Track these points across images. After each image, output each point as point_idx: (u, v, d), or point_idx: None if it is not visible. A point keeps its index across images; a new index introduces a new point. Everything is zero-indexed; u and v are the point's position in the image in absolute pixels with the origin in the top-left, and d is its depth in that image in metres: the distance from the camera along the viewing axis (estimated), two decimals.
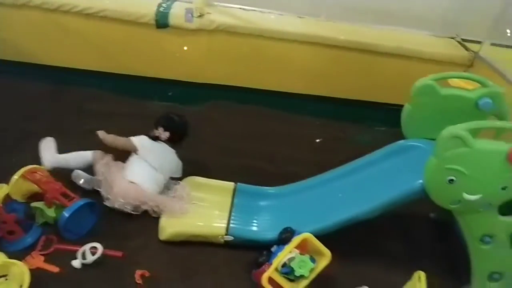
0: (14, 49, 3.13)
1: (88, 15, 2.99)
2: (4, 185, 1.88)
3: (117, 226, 1.94)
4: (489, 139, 1.58)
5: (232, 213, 2.01)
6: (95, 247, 1.77)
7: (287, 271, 1.68)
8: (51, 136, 2.23)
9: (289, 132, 2.93)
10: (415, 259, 1.98)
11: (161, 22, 3.04)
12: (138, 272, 1.72)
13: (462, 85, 2.09)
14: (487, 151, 1.45)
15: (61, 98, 2.90)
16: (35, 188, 1.95)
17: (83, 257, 1.74)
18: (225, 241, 1.90)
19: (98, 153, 2.11)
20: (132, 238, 1.89)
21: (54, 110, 2.75)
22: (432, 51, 3.22)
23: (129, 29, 3.07)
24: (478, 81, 1.99)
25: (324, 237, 1.77)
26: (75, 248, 1.78)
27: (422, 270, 1.62)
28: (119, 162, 2.10)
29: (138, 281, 1.70)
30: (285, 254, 1.68)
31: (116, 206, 1.95)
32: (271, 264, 1.67)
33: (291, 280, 1.70)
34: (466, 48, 3.31)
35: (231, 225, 1.94)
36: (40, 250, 1.78)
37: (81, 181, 2.10)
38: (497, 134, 1.77)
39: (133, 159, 2.08)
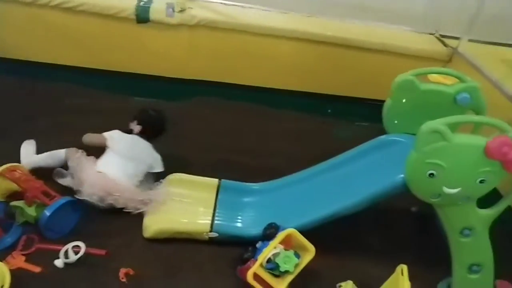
0: None
1: (67, 9, 2.93)
2: None
3: (100, 224, 1.92)
4: (467, 133, 1.63)
5: (217, 210, 2.01)
6: (78, 246, 1.74)
7: (272, 267, 1.69)
8: (27, 131, 2.21)
9: (273, 128, 2.94)
10: (398, 252, 2.01)
11: (142, 16, 3.00)
12: (123, 271, 1.71)
13: (441, 81, 2.12)
14: (466, 145, 1.47)
15: (37, 94, 2.84)
16: (14, 186, 1.91)
17: (66, 256, 1.72)
18: (209, 237, 1.90)
19: (72, 150, 2.09)
20: (116, 236, 1.87)
21: (30, 106, 2.69)
22: (413, 47, 3.28)
23: (108, 23, 3.02)
24: (456, 77, 2.03)
25: (308, 232, 1.79)
26: (57, 247, 1.75)
27: (405, 263, 1.64)
28: (92, 157, 2.08)
29: (122, 279, 1.69)
30: (270, 249, 1.70)
31: (86, 197, 1.92)
32: (256, 260, 1.68)
33: (276, 276, 1.71)
34: (445, 44, 3.38)
35: (215, 221, 1.94)
36: (21, 250, 1.75)
37: (62, 179, 2.07)
38: (475, 128, 1.82)
39: (105, 152, 2.08)
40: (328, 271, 1.88)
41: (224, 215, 1.99)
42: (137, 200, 1.94)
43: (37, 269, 1.69)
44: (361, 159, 2.10)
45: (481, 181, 1.51)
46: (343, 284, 1.81)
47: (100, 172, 1.97)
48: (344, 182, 2.03)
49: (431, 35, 3.56)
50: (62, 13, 2.95)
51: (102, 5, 2.94)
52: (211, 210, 2.00)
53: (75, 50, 3.14)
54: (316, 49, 3.22)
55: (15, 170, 1.92)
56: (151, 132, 2.17)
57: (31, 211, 1.83)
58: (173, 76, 3.27)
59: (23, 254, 1.73)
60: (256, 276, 1.66)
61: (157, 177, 2.14)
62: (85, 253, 1.73)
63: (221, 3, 3.37)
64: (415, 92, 1.98)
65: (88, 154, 2.08)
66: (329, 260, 1.89)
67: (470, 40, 3.23)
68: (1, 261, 1.61)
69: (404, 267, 1.64)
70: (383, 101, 2.10)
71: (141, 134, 2.15)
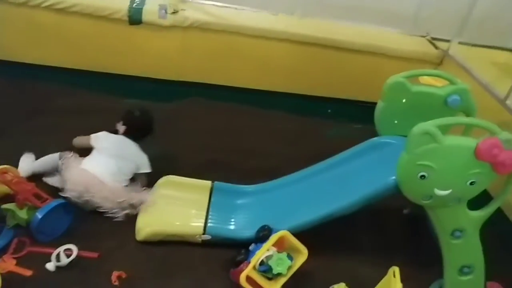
0: None
1: (60, 10, 2.92)
2: None
3: (93, 227, 1.91)
4: (458, 135, 1.64)
5: (210, 212, 2.00)
6: (69, 249, 1.73)
7: (265, 269, 1.69)
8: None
9: (265, 129, 2.94)
10: (390, 254, 2.02)
11: (134, 18, 3.00)
12: (115, 274, 1.70)
13: (432, 83, 2.15)
14: (456, 147, 1.48)
15: (29, 94, 2.82)
16: (5, 189, 1.89)
17: (58, 259, 1.70)
18: (202, 240, 1.90)
19: (65, 153, 2.08)
20: (108, 239, 1.86)
21: (23, 107, 2.67)
22: (404, 49, 3.31)
23: (101, 25, 3.01)
24: (446, 79, 2.05)
25: (301, 234, 1.80)
26: (49, 250, 1.74)
27: (397, 265, 1.65)
28: (81, 158, 2.08)
29: (114, 283, 1.68)
30: (263, 252, 1.70)
31: (67, 194, 1.92)
32: (249, 262, 1.68)
33: (269, 278, 1.71)
34: (436, 47, 3.41)
35: (208, 224, 1.93)
36: (12, 253, 1.73)
37: (50, 178, 2.07)
38: (466, 130, 1.84)
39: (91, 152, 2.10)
40: (321, 273, 1.88)
41: (217, 218, 1.98)
42: (115, 201, 1.93)
43: (28, 273, 1.67)
44: (353, 161, 2.12)
45: (471, 183, 1.52)
46: (336, 286, 1.81)
47: (83, 169, 1.98)
48: (337, 184, 2.04)
49: (422, 38, 3.59)
50: (55, 14, 2.94)
51: (95, 7, 2.93)
52: (204, 213, 1.99)
53: (68, 52, 3.13)
54: (308, 51, 3.24)
55: (6, 173, 1.90)
56: (136, 132, 2.16)
57: (23, 213, 1.82)
58: (165, 78, 3.27)
59: (14, 258, 1.72)
60: (249, 279, 1.66)
61: (150, 180, 2.14)
62: (77, 256, 1.72)
63: (214, 5, 3.38)
64: (407, 94, 2.00)
65: (81, 156, 2.07)
66: (322, 262, 1.89)
67: (460, 43, 3.27)
68: None
69: (396, 269, 1.65)
70: (375, 103, 2.12)
71: (127, 134, 2.15)
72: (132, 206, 1.97)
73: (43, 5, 2.89)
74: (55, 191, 1.98)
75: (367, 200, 1.85)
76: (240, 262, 1.74)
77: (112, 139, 2.12)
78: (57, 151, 2.13)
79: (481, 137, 1.47)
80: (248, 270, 1.65)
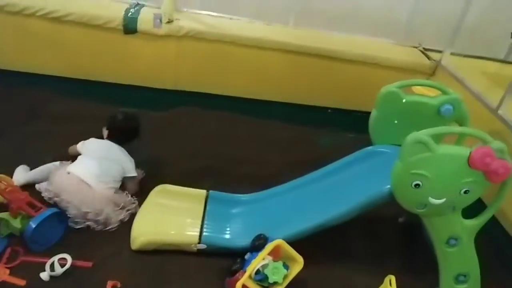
0: None
1: (55, 19, 2.92)
2: None
3: (87, 236, 1.89)
4: (451, 144, 1.66)
5: (205, 221, 1.99)
6: (64, 258, 1.72)
7: (261, 278, 1.68)
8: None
9: (258, 138, 2.95)
10: (386, 262, 2.03)
11: (129, 27, 3.01)
12: (110, 283, 1.68)
13: (424, 92, 2.18)
14: (449, 156, 1.50)
15: (22, 102, 2.81)
16: None
17: (52, 268, 1.68)
18: (198, 249, 1.89)
19: (58, 163, 2.12)
20: (103, 248, 1.85)
21: (16, 114, 2.67)
22: (398, 59, 3.35)
23: (96, 34, 3.02)
24: (439, 89, 2.08)
25: (296, 242, 1.80)
26: (42, 259, 1.72)
27: (393, 274, 1.66)
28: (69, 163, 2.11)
29: None
30: (259, 261, 1.69)
31: (49, 196, 1.95)
32: (245, 271, 1.68)
33: (265, 287, 1.71)
34: (428, 57, 3.45)
35: (204, 233, 1.93)
36: (5, 263, 1.71)
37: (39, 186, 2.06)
38: (459, 139, 1.87)
39: None
40: (317, 281, 1.88)
41: (213, 227, 1.98)
42: (98, 206, 1.92)
43: (22, 282, 1.65)
44: (348, 169, 2.13)
45: (465, 191, 1.54)
46: None
47: (66, 172, 1.99)
48: (332, 193, 2.05)
49: (415, 48, 3.64)
50: (50, 22, 2.94)
51: (90, 15, 2.94)
52: (199, 222, 1.99)
53: (63, 60, 3.13)
54: (302, 60, 3.27)
55: (0, 182, 1.89)
56: (120, 136, 2.17)
57: (16, 223, 1.80)
58: (160, 87, 3.27)
59: (7, 267, 1.70)
60: None
61: (144, 187, 2.13)
62: (71, 266, 1.70)
63: (208, 14, 3.40)
64: (400, 104, 2.02)
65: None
66: (317, 271, 1.89)
67: (452, 54, 3.32)
68: None
69: (392, 278, 1.66)
70: (369, 112, 2.14)
71: (110, 138, 2.16)
72: (117, 211, 1.97)
73: (38, 13, 2.89)
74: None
75: (362, 208, 1.85)
76: (236, 271, 1.73)
77: (96, 143, 2.15)
78: (51, 158, 2.15)
79: (474, 146, 1.49)
80: (244, 279, 1.64)
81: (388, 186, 1.69)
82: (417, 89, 2.28)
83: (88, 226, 1.92)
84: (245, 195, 2.20)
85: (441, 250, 1.71)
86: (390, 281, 1.65)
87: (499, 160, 1.47)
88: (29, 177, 2.08)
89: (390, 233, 2.27)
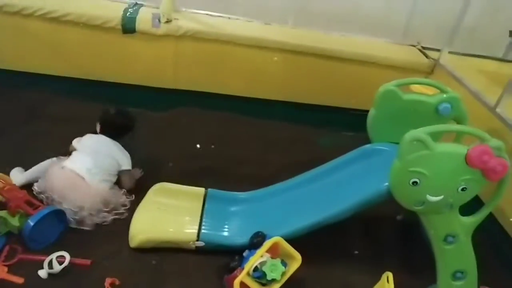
0: None
1: (53, 19, 2.92)
2: None
3: (85, 234, 1.90)
4: (450, 142, 1.66)
5: (203, 219, 2.00)
6: (62, 256, 1.72)
7: (259, 275, 1.69)
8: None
9: (257, 137, 2.96)
10: (383, 260, 2.04)
11: (128, 27, 3.01)
12: (108, 281, 1.69)
13: (423, 91, 2.18)
14: (447, 154, 1.50)
15: (21, 102, 2.82)
16: None
17: (50, 266, 1.69)
18: (196, 247, 1.90)
19: (55, 159, 2.13)
20: (101, 246, 1.85)
21: (15, 114, 2.67)
22: (396, 58, 3.35)
23: (94, 34, 3.02)
24: (437, 87, 2.08)
25: (294, 240, 1.80)
26: (41, 257, 1.73)
27: (390, 271, 1.66)
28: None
29: None
30: (257, 258, 1.69)
31: (40, 190, 1.96)
32: (243, 268, 1.68)
33: (263, 284, 1.71)
34: (427, 56, 3.46)
35: (202, 230, 1.93)
36: (3, 261, 1.71)
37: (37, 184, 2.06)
38: (457, 137, 1.87)
39: None
40: (315, 279, 1.89)
41: (211, 224, 1.98)
42: (93, 200, 1.94)
43: (20, 280, 1.65)
44: (346, 168, 2.14)
45: (463, 189, 1.54)
46: None
47: (60, 167, 2.01)
48: (330, 191, 2.06)
49: (413, 47, 3.65)
50: (48, 23, 2.94)
51: (88, 15, 2.94)
52: (198, 219, 1.99)
53: (62, 60, 3.13)
54: (300, 60, 3.26)
55: None
56: (112, 130, 2.20)
57: (14, 221, 1.80)
58: (159, 86, 3.27)
59: (5, 265, 1.70)
60: (243, 285, 1.66)
61: (143, 186, 2.13)
62: (69, 263, 1.71)
63: (207, 14, 3.40)
64: (398, 102, 2.02)
65: None
66: (315, 268, 1.89)
67: (450, 52, 3.32)
68: None
69: (389, 275, 1.66)
70: (367, 111, 2.14)
71: (103, 132, 2.19)
72: (111, 207, 1.98)
73: (37, 14, 2.89)
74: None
75: (360, 206, 1.86)
76: (234, 268, 1.73)
77: (89, 138, 2.18)
78: (50, 158, 2.14)
79: (472, 144, 1.50)
80: (242, 276, 1.65)
81: (386, 184, 1.69)
82: (415, 87, 2.29)
83: (83, 222, 1.92)
84: (243, 193, 2.21)
85: (438, 248, 1.71)
86: (387, 278, 1.65)
87: (496, 158, 1.47)
88: (28, 176, 2.08)
89: (388, 230, 2.28)
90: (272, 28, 3.43)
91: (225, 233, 1.99)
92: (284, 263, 1.73)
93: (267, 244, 1.73)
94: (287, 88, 3.41)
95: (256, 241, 1.79)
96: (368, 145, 2.16)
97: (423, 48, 3.60)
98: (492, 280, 1.92)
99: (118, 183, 2.13)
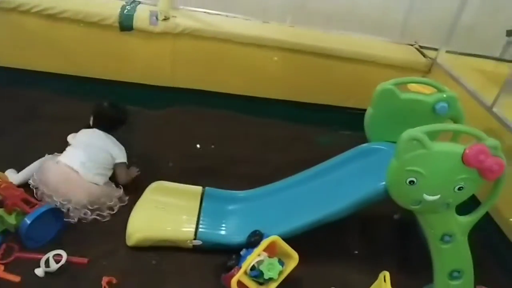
0: None
1: (49, 16, 2.90)
2: None
3: (83, 232, 1.90)
4: (447, 141, 1.67)
5: (201, 217, 2.00)
6: (59, 255, 1.72)
7: (256, 274, 1.69)
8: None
9: (255, 136, 2.96)
10: (380, 259, 2.04)
11: (125, 24, 2.99)
12: (105, 279, 1.69)
13: (420, 90, 2.18)
14: (444, 153, 1.50)
15: (17, 100, 2.81)
16: None
17: (47, 265, 1.69)
18: (193, 245, 1.90)
19: (50, 155, 2.15)
20: (98, 244, 1.85)
21: (11, 112, 2.67)
22: (393, 57, 3.34)
23: (91, 31, 3.00)
24: (434, 87, 2.08)
25: (291, 239, 1.80)
26: (37, 256, 1.72)
27: (387, 270, 1.67)
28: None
29: None
30: (254, 257, 1.70)
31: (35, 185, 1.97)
32: (240, 267, 1.68)
33: (260, 283, 1.71)
34: (424, 55, 3.46)
35: (199, 229, 1.93)
36: (0, 259, 1.71)
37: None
38: (454, 136, 1.87)
39: None
40: (312, 278, 1.89)
41: (208, 223, 1.98)
42: (87, 195, 1.94)
43: (16, 279, 1.65)
44: (343, 167, 2.14)
45: (459, 188, 1.54)
46: None
47: (55, 162, 2.02)
48: (328, 190, 2.06)
49: (411, 46, 3.65)
50: (45, 20, 2.92)
51: (85, 12, 2.92)
52: (195, 218, 1.99)
53: (59, 58, 3.11)
54: (298, 58, 3.26)
55: None
56: (104, 123, 2.21)
57: (11, 219, 1.80)
58: (156, 84, 3.26)
59: (2, 263, 1.70)
60: (240, 284, 1.66)
61: (141, 185, 2.13)
62: (66, 262, 1.71)
63: (205, 12, 3.39)
64: (396, 101, 2.03)
65: None
66: (312, 267, 1.90)
67: (448, 52, 3.32)
68: None
69: (386, 274, 1.66)
70: (364, 110, 2.14)
71: (96, 125, 2.20)
72: (96, 207, 1.98)
73: (33, 10, 2.87)
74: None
75: (357, 205, 1.86)
76: (231, 267, 1.73)
77: (83, 132, 2.19)
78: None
79: (469, 144, 1.50)
80: (239, 275, 1.65)
81: (383, 183, 1.69)
82: (412, 86, 2.29)
83: (80, 220, 1.92)
84: (241, 191, 2.21)
85: (435, 247, 1.71)
86: (384, 277, 1.65)
87: (493, 158, 1.47)
88: (25, 175, 2.07)
89: (384, 230, 2.28)
90: (271, 27, 3.42)
91: (223, 232, 1.99)
92: (281, 262, 1.73)
93: (264, 243, 1.73)
94: (285, 86, 3.41)
95: (254, 240, 1.79)
96: (365, 144, 2.16)
97: (421, 47, 3.60)
98: (488, 280, 1.94)
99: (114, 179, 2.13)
